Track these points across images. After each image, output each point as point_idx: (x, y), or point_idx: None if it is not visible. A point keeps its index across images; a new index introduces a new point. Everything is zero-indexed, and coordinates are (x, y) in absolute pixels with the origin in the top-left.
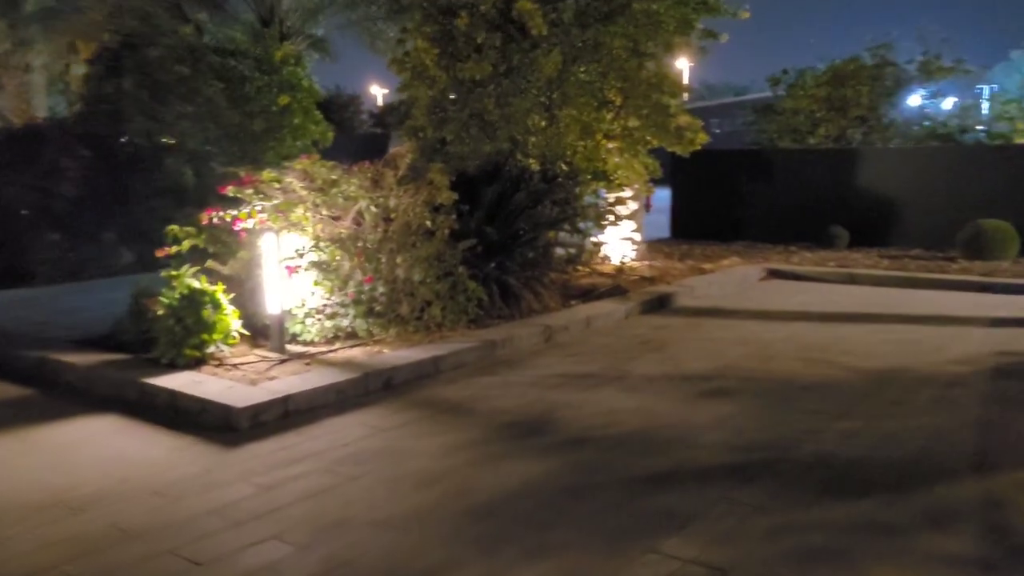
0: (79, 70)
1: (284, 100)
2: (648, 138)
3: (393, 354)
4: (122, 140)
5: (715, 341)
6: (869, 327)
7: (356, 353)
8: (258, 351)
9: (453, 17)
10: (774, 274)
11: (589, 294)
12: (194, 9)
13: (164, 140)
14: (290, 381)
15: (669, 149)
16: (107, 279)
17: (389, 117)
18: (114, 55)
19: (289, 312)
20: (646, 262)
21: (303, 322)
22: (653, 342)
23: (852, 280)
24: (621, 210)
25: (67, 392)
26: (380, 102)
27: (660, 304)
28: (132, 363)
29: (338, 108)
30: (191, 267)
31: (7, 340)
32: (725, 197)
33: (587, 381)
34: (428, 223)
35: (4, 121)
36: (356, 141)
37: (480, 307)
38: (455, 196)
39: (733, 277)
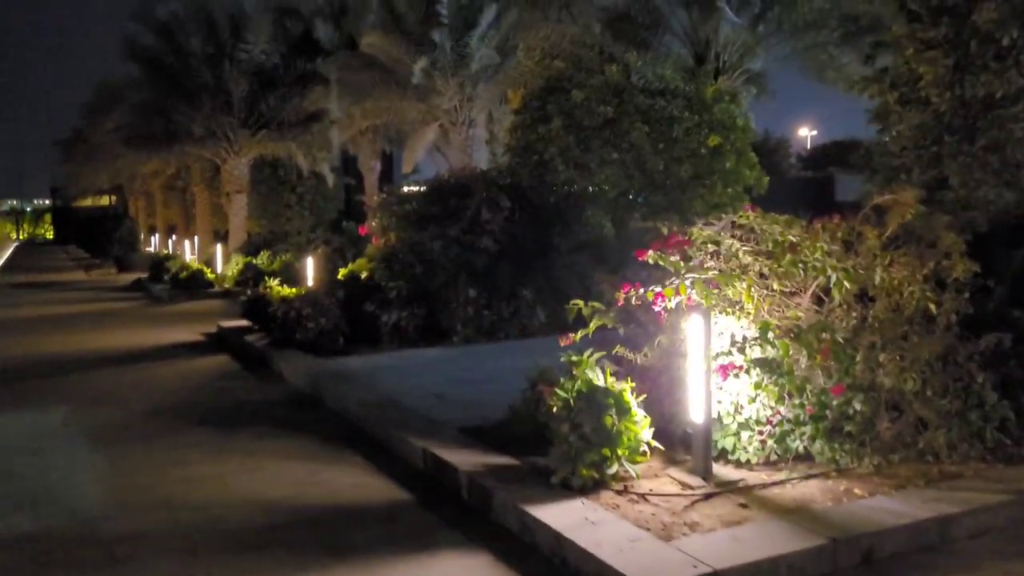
0: (506, 120)
1: (715, 141)
2: None
3: (870, 502)
4: (544, 190)
5: None
6: None
7: (812, 490)
8: (674, 471)
9: (959, 18)
10: None
11: None
12: (622, 49)
13: (586, 189)
14: (716, 539)
15: None
16: (521, 340)
17: (829, 158)
18: (540, 102)
19: (718, 420)
20: None
21: (736, 435)
22: None
23: None
24: None
25: (446, 504)
26: (809, 144)
27: None
28: (519, 474)
29: (767, 152)
30: (595, 351)
31: (400, 418)
32: None
33: None
34: (932, 306)
35: (448, 174)
36: (788, 187)
37: (1003, 430)
38: (975, 268)
39: None
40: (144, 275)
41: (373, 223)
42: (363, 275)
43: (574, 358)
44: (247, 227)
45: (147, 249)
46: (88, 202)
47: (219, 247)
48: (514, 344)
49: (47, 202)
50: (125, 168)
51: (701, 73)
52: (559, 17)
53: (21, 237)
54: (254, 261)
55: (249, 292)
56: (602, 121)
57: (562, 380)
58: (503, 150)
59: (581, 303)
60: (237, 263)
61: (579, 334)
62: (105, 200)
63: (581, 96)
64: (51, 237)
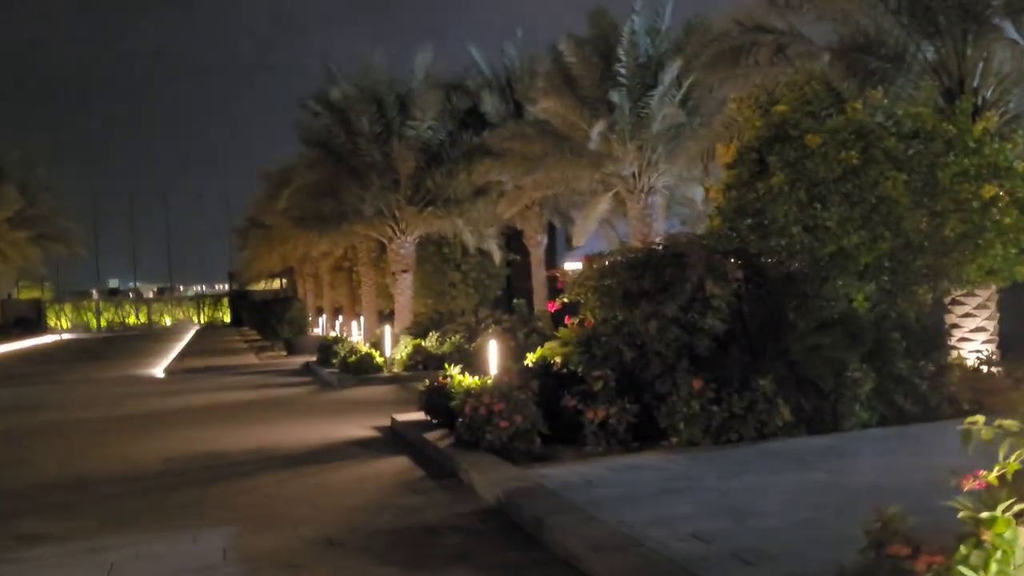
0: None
1: (990, 192)
2: None
3: None
4: (774, 257)
5: None
6: None
7: None
8: None
9: None
10: None
11: None
12: (856, 85)
13: (830, 255)
14: None
15: None
16: (759, 443)
17: None
18: (758, 154)
19: None
20: None
21: None
22: None
23: None
24: None
25: None
26: None
27: None
28: None
29: None
30: (1012, 498)
31: (657, 573)
32: None
33: None
34: None
35: (626, 247)
36: None
37: None
38: None
39: None
40: (313, 358)
41: (566, 299)
42: (555, 360)
43: (984, 515)
44: (412, 307)
45: (315, 330)
46: (262, 285)
47: (387, 329)
48: (754, 449)
49: (226, 287)
50: (296, 250)
51: (956, 111)
52: (772, 60)
53: (202, 321)
54: (423, 343)
55: (427, 381)
56: (842, 171)
57: (963, 549)
58: (712, 211)
59: (980, 419)
60: (406, 346)
61: (993, 475)
62: (277, 283)
63: (818, 141)
64: (228, 320)
